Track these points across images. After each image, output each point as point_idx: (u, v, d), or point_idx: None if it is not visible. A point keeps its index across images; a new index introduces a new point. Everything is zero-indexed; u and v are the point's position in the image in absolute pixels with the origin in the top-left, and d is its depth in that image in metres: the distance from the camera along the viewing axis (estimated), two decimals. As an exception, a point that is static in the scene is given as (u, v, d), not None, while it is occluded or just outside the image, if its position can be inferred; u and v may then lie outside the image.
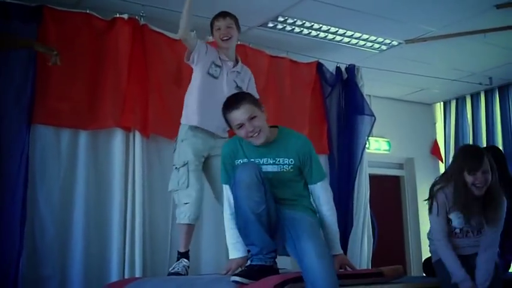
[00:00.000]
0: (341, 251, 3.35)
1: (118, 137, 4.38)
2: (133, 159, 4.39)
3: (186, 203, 3.78)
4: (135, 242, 4.25)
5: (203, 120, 3.89)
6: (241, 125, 3.16)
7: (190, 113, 3.93)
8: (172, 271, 3.75)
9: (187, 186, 3.80)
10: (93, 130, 4.32)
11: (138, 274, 4.18)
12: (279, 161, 3.22)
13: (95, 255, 4.18)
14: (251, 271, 2.94)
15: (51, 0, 4.31)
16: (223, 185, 3.33)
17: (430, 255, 3.88)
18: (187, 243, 3.88)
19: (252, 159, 3.21)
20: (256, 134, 3.16)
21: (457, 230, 3.52)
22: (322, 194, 3.31)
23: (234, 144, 3.31)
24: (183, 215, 3.80)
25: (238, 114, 3.15)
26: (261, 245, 3.01)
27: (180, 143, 3.93)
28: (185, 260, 3.82)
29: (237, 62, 4.08)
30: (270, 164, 3.21)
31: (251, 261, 3.04)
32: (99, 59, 4.41)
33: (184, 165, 3.85)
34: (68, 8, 4.38)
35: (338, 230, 3.34)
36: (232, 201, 3.17)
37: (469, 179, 3.39)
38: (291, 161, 3.22)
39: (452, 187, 3.48)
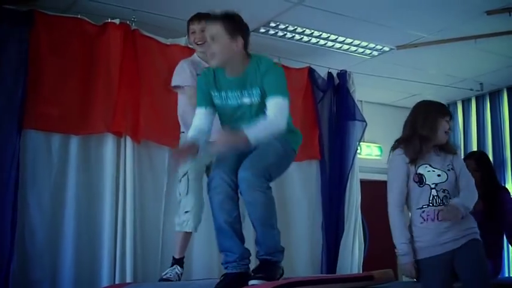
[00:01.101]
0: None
1: (109, 143, 4.37)
2: (124, 165, 4.38)
3: (187, 212, 3.77)
4: (126, 247, 4.24)
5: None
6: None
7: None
8: (164, 276, 3.75)
9: (187, 194, 3.78)
10: (84, 135, 4.31)
11: (129, 279, 4.18)
12: (247, 93, 3.12)
13: (86, 260, 4.17)
14: (231, 282, 2.96)
15: (42, 4, 4.31)
16: (197, 108, 3.28)
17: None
18: (183, 250, 3.87)
19: (224, 91, 3.15)
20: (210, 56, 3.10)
21: (430, 195, 3.35)
22: (269, 109, 3.01)
23: (209, 73, 3.22)
24: (184, 223, 3.77)
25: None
26: (238, 252, 3.05)
27: None
28: (179, 267, 3.82)
29: None
30: (239, 97, 3.13)
31: (226, 268, 3.07)
32: (90, 64, 4.40)
33: (184, 175, 3.83)
34: (59, 12, 4.38)
35: (263, 128, 2.99)
36: (203, 128, 3.20)
37: (445, 125, 3.29)
38: (258, 91, 3.09)
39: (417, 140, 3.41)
